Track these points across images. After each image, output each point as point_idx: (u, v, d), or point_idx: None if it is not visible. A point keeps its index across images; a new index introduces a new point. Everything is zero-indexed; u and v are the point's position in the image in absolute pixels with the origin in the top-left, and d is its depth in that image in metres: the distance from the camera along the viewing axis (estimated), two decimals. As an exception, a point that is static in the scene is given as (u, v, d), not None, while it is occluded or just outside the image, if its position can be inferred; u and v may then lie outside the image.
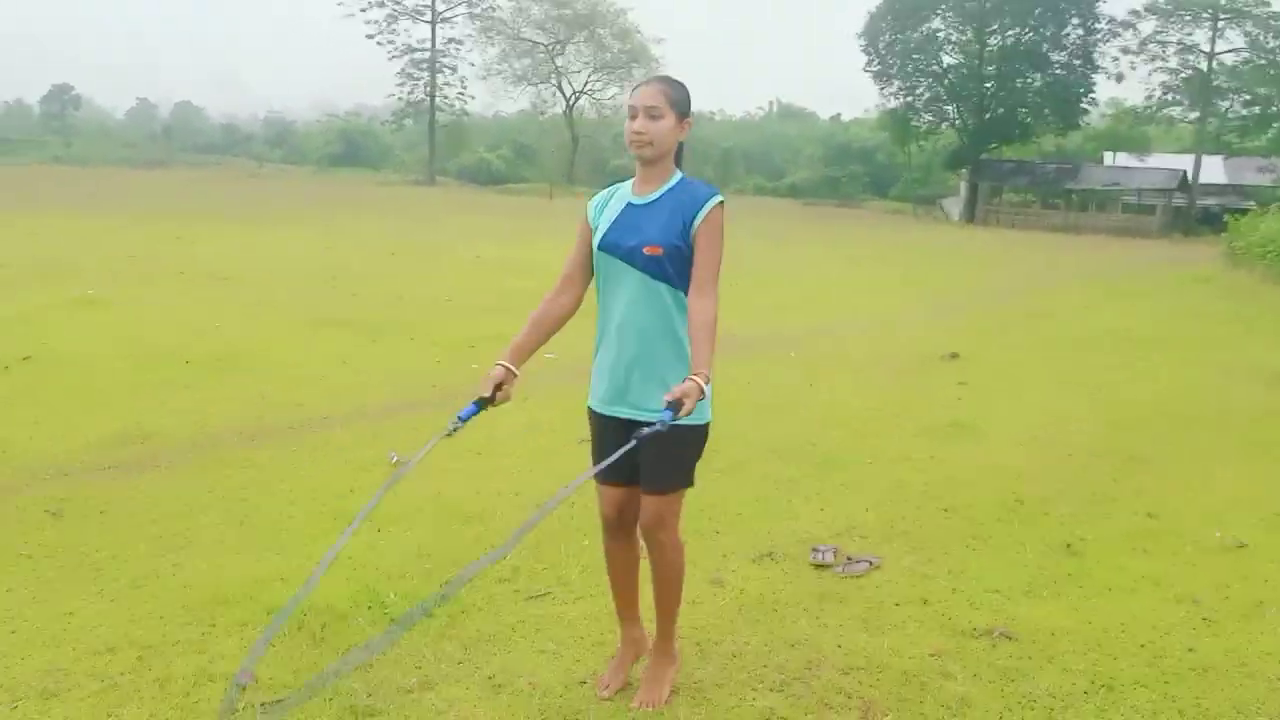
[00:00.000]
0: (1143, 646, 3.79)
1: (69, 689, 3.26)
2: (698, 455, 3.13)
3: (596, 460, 3.14)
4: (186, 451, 5.94)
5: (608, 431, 3.14)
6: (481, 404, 3.00)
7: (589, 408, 3.24)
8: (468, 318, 11.50)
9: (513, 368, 3.05)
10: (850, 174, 72.12)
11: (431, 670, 3.42)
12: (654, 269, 2.99)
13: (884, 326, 12.64)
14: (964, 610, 4.04)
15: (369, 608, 3.85)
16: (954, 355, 10.12)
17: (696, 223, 2.98)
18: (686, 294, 3.00)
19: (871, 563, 4.44)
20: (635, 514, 3.21)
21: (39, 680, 3.30)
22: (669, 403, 2.72)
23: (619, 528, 3.26)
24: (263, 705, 3.08)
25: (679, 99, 3.03)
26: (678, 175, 3.09)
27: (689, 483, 3.14)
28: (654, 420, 2.74)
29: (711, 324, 2.92)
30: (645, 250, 2.98)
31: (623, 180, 3.20)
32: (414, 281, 14.79)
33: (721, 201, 3.01)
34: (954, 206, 57.95)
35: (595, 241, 3.11)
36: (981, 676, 3.50)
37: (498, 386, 3.02)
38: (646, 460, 3.03)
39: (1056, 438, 7.00)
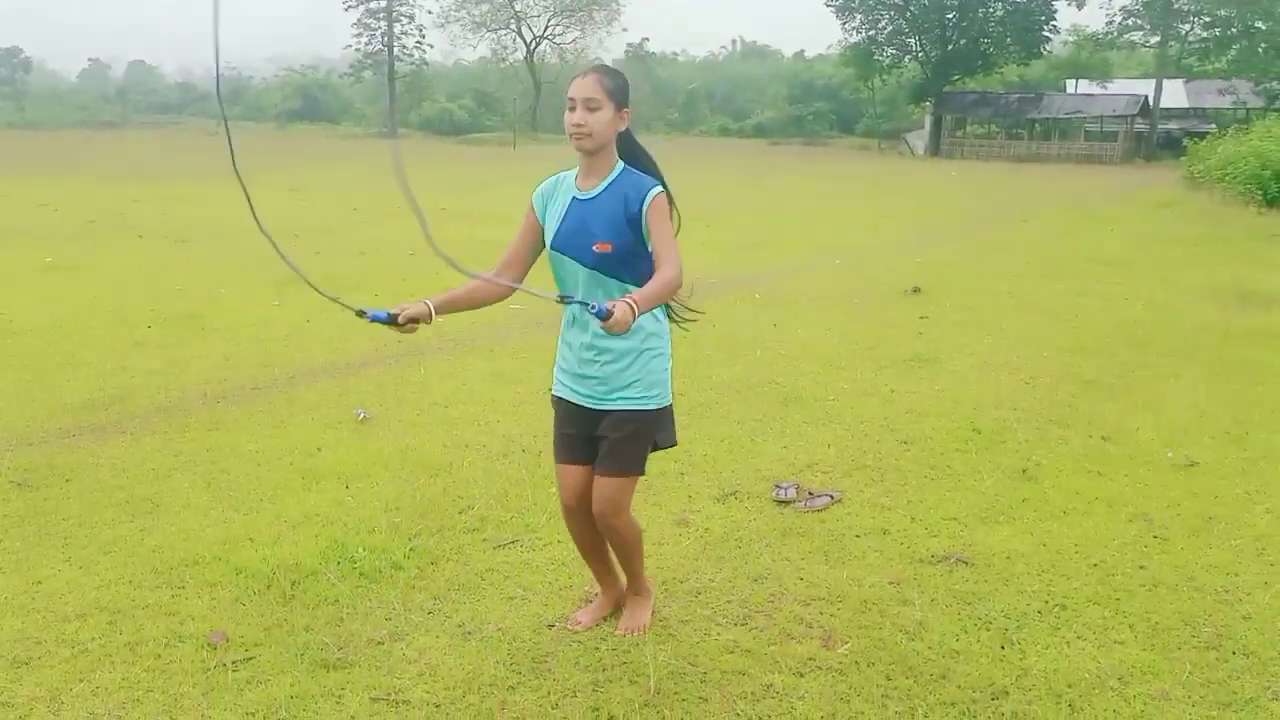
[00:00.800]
0: (1095, 565, 3.90)
1: (40, 656, 3.29)
2: (654, 440, 3.20)
3: (560, 448, 3.28)
4: (152, 416, 5.93)
5: (575, 420, 3.22)
6: (391, 319, 2.94)
7: (553, 395, 3.32)
8: (432, 271, 11.42)
9: (434, 311, 3.02)
10: (815, 112, 71.90)
11: (401, 621, 3.48)
12: (604, 266, 3.04)
13: (848, 263, 12.69)
14: (922, 539, 4.14)
15: (338, 563, 3.89)
16: (916, 290, 10.21)
17: (644, 216, 3.01)
18: (635, 285, 3.02)
19: (832, 497, 4.52)
20: (586, 497, 3.26)
21: (10, 649, 3.32)
22: (606, 309, 2.69)
23: (579, 512, 3.30)
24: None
25: (616, 89, 3.03)
26: (619, 166, 3.11)
27: (642, 470, 3.21)
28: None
29: (668, 283, 2.93)
30: (595, 248, 3.02)
31: (568, 170, 3.21)
32: (378, 236, 14.67)
33: (661, 190, 3.04)
34: (919, 140, 57.93)
35: (547, 241, 3.14)
36: (939, 601, 3.60)
37: (411, 318, 2.96)
38: (608, 443, 3.13)
39: (1016, 366, 7.10)
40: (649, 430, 3.18)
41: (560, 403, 3.29)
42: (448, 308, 3.11)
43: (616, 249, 3.02)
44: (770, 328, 8.46)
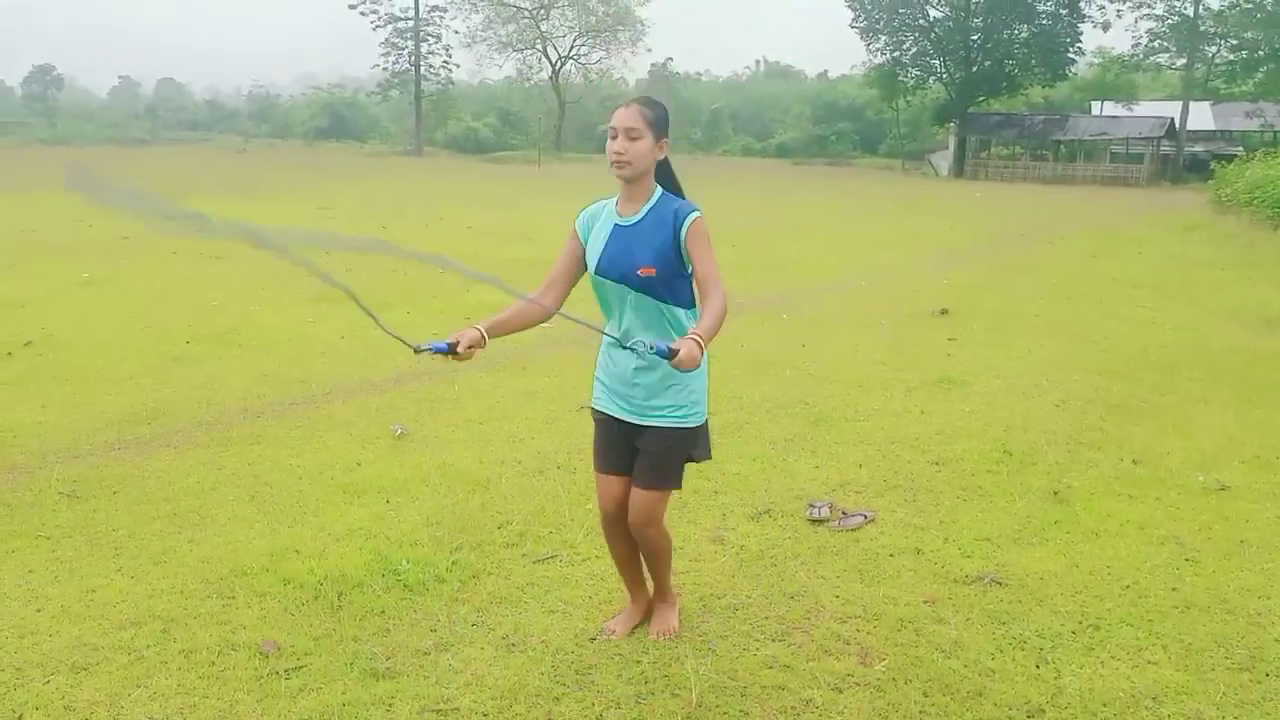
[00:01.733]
0: (1128, 587, 3.94)
1: (98, 662, 3.39)
2: (688, 456, 3.31)
3: (599, 457, 3.40)
4: (194, 429, 6.06)
5: (614, 433, 3.34)
6: (450, 349, 3.03)
7: (594, 409, 3.42)
8: (462, 289, 11.59)
9: (486, 335, 3.12)
10: (839, 132, 71.95)
11: (447, 633, 3.57)
12: (648, 288, 3.15)
13: (875, 285, 12.75)
14: (956, 559, 4.20)
15: (383, 575, 3.99)
16: (944, 311, 10.25)
17: (683, 241, 3.13)
18: (677, 306, 3.17)
19: (866, 516, 4.58)
20: (624, 509, 3.37)
21: (69, 655, 3.43)
22: (671, 349, 2.83)
23: (618, 521, 3.41)
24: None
25: (657, 119, 3.15)
26: (658, 192, 3.22)
27: (678, 484, 3.33)
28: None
29: (721, 312, 3.05)
30: (640, 272, 3.13)
31: (608, 198, 3.32)
32: (407, 254, 14.83)
33: (700, 215, 3.16)
34: (942, 161, 57.91)
35: (591, 267, 3.26)
36: (973, 621, 3.65)
37: (469, 346, 3.04)
38: (646, 456, 3.25)
39: (1045, 388, 7.14)
40: (685, 446, 3.28)
41: (600, 416, 3.39)
42: (498, 330, 3.20)
43: (660, 272, 3.12)
44: (799, 348, 8.53)
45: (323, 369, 7.67)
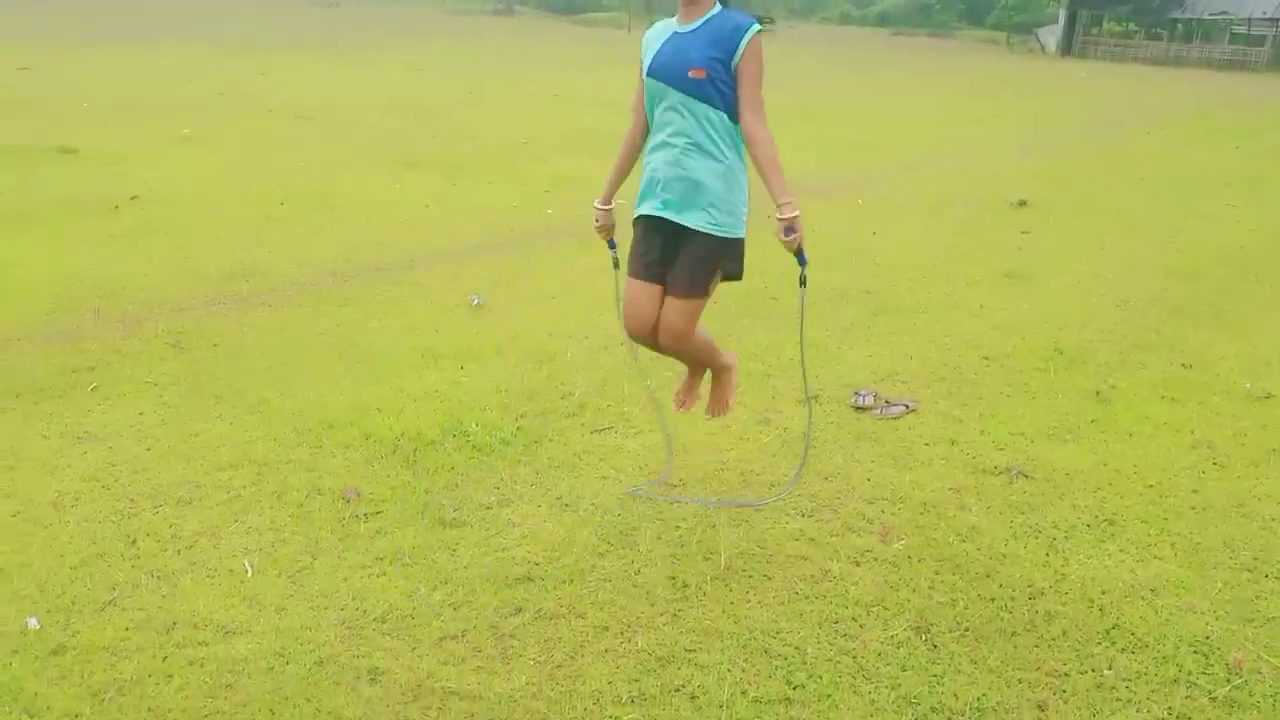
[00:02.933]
0: (1150, 486, 4.15)
1: (200, 498, 3.84)
2: (723, 269, 3.51)
3: (636, 262, 3.58)
4: (288, 289, 6.47)
5: (649, 234, 3.53)
6: (613, 240, 3.84)
7: (635, 216, 3.60)
8: (543, 159, 11.80)
9: (609, 209, 3.76)
10: (944, 1, 68.96)
11: (508, 490, 3.94)
12: (695, 90, 3.32)
13: (959, 169, 12.63)
14: (988, 451, 4.43)
15: (454, 435, 4.36)
16: (1022, 202, 10.19)
17: (740, 48, 3.30)
18: (725, 113, 3.35)
19: (908, 406, 4.82)
20: (652, 323, 3.58)
21: (175, 490, 3.88)
22: (796, 250, 3.34)
23: (642, 337, 3.66)
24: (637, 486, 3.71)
25: None
26: (717, 6, 3.42)
27: (707, 294, 3.52)
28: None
29: (775, 154, 3.32)
30: (690, 73, 3.32)
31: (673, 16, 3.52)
32: (492, 121, 15.05)
33: (759, 31, 3.34)
34: (1050, 36, 55.28)
35: (644, 68, 3.47)
36: (994, 509, 3.91)
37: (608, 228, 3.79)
38: (679, 266, 3.47)
39: (1110, 286, 7.19)
40: (719, 257, 3.47)
41: (640, 224, 3.58)
42: (614, 191, 3.79)
43: (709, 75, 3.31)
44: (870, 235, 8.63)
45: (404, 235, 8.02)
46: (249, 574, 3.32)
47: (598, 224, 3.80)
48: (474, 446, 4.29)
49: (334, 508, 3.76)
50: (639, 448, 4.37)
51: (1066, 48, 51.40)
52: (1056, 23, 55.46)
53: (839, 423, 4.67)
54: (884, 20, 69.61)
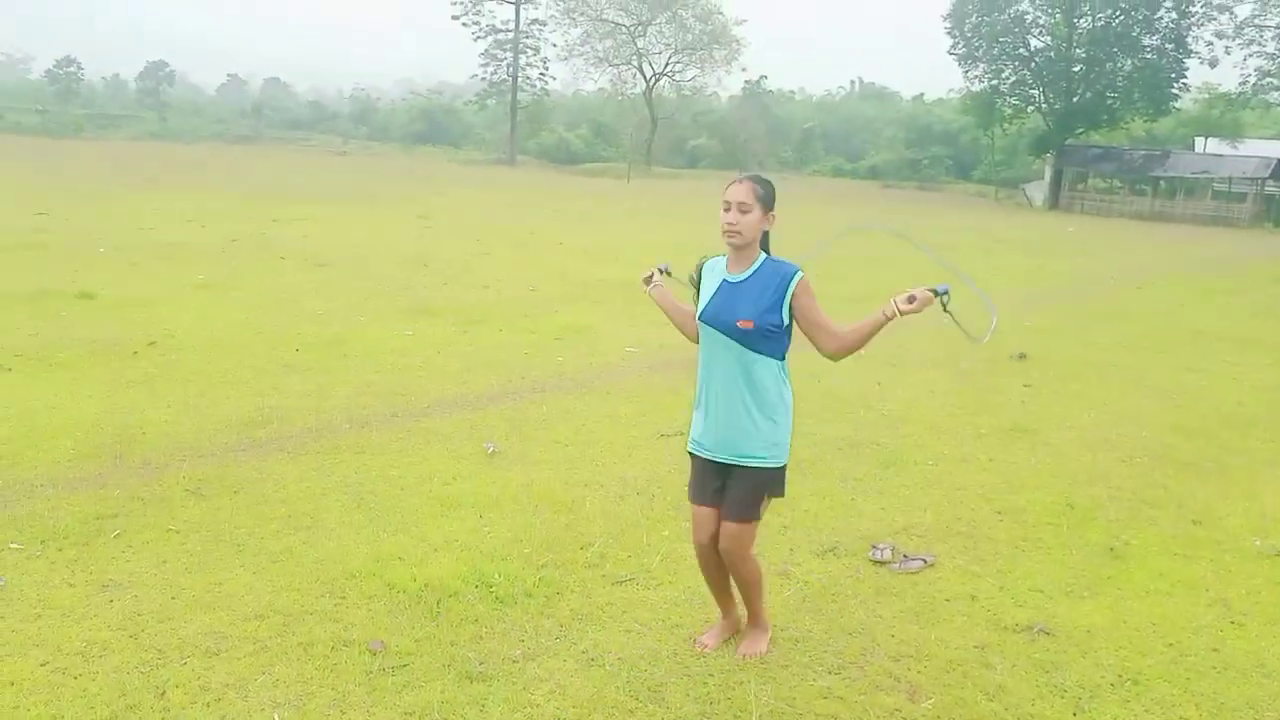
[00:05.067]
0: (1170, 645, 4.17)
1: (227, 649, 3.84)
2: (771, 493, 3.76)
3: (694, 491, 3.85)
4: (305, 436, 6.56)
5: (707, 472, 3.80)
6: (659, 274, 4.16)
7: (690, 451, 3.88)
8: (552, 308, 12.07)
9: (662, 291, 4.15)
10: (932, 156, 71.48)
11: (533, 643, 3.95)
12: (743, 339, 3.62)
13: (954, 324, 12.85)
14: (1008, 607, 4.46)
15: (476, 586, 4.39)
16: (1022, 355, 10.40)
17: (790, 296, 3.60)
18: (770, 357, 3.65)
19: (926, 560, 4.87)
20: (715, 539, 3.81)
21: (202, 640, 3.89)
22: (936, 292, 3.54)
23: (710, 551, 3.85)
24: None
25: (765, 196, 3.66)
26: (763, 256, 3.73)
27: (759, 517, 3.78)
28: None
29: (851, 333, 3.62)
30: (739, 324, 3.62)
31: (721, 255, 3.82)
32: (501, 269, 15.41)
33: (803, 276, 3.63)
34: (1037, 192, 57.15)
35: (698, 313, 3.77)
36: (1019, 667, 3.92)
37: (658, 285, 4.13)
38: (733, 493, 3.71)
39: (1115, 443, 7.30)
40: (768, 485, 3.73)
41: (696, 459, 3.84)
42: (666, 302, 4.11)
43: (757, 326, 3.58)
44: (874, 386, 8.79)
45: (420, 383, 8.16)
46: (279, 728, 3.31)
47: (655, 280, 4.16)
48: (496, 598, 4.31)
49: (360, 660, 3.77)
50: (660, 600, 4.39)
51: (1053, 202, 53.06)
52: (1043, 178, 57.38)
53: (859, 576, 4.71)
54: (874, 173, 71.96)
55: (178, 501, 5.35)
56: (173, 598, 4.25)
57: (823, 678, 3.77)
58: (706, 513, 3.80)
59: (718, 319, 3.66)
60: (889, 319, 3.52)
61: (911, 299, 3.48)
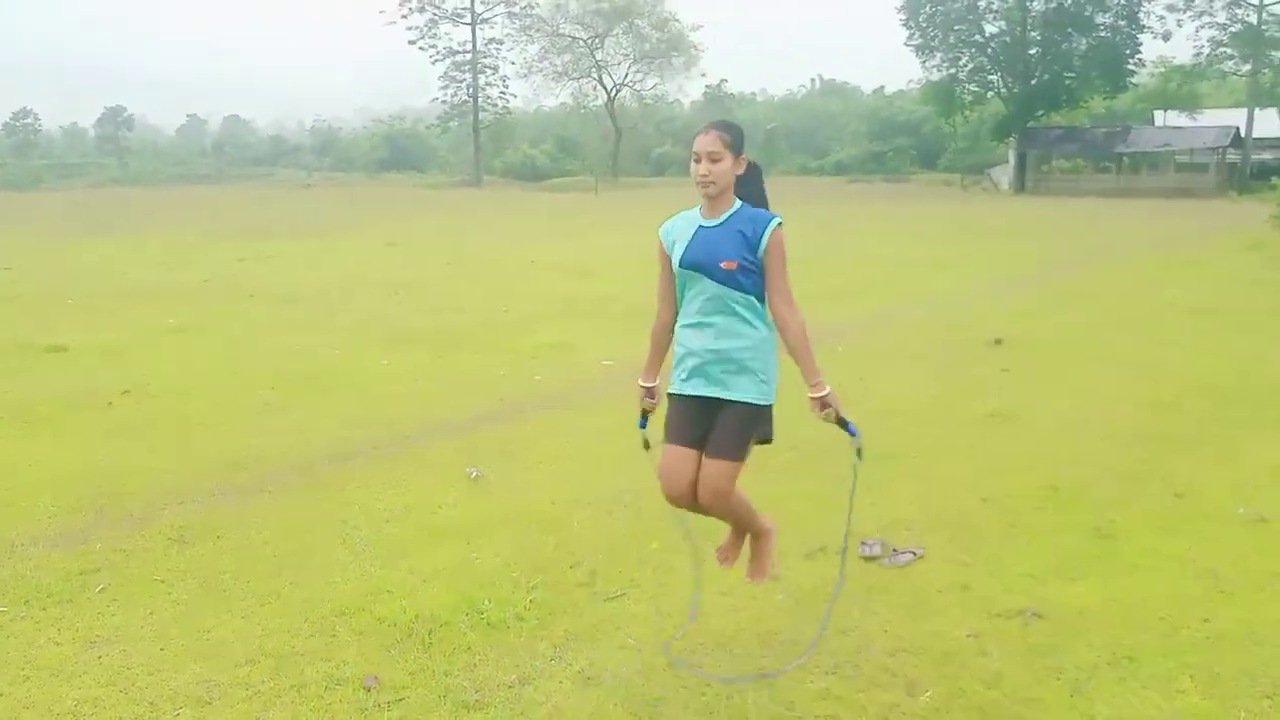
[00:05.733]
0: (1162, 619, 4.20)
1: (220, 697, 3.80)
2: (758, 432, 3.73)
3: (674, 431, 3.75)
4: (287, 475, 6.52)
5: (688, 408, 3.72)
6: (645, 419, 4.01)
7: (669, 392, 3.83)
8: (526, 327, 12.05)
9: (653, 385, 3.95)
10: (896, 148, 71.93)
11: (528, 667, 3.93)
12: (728, 279, 3.60)
13: (932, 313, 12.97)
14: (999, 594, 4.47)
15: (467, 614, 4.36)
16: (998, 341, 10.46)
17: (763, 243, 3.59)
18: (753, 295, 3.62)
19: (915, 553, 4.88)
20: (691, 485, 3.73)
21: (194, 690, 3.85)
22: (840, 420, 3.63)
23: (684, 502, 3.79)
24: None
25: (734, 140, 3.66)
26: (738, 203, 3.70)
27: (744, 457, 3.71)
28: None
29: (805, 336, 3.62)
30: (722, 264, 3.59)
31: (690, 208, 3.80)
32: (472, 292, 15.39)
33: (779, 224, 3.63)
34: (1003, 175, 57.59)
35: (676, 261, 3.72)
36: (1014, 653, 3.93)
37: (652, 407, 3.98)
38: (720, 430, 3.66)
39: (1095, 422, 7.35)
40: (757, 422, 3.70)
41: (679, 401, 3.76)
42: (656, 370, 3.98)
43: (740, 266, 3.58)
44: (857, 381, 8.80)
45: (401, 411, 8.12)
46: (276, 774, 3.28)
47: (645, 400, 3.99)
48: (489, 624, 4.29)
49: (355, 698, 3.74)
50: (654, 613, 4.38)
51: (1020, 186, 53.45)
52: (1008, 162, 57.83)
53: (850, 573, 4.71)
54: (840, 169, 72.33)
55: (161, 551, 5.30)
56: (162, 649, 4.20)
57: (820, 679, 3.77)
58: (686, 452, 3.70)
59: (699, 263, 3.62)
60: (813, 394, 3.64)
61: (826, 407, 3.64)
